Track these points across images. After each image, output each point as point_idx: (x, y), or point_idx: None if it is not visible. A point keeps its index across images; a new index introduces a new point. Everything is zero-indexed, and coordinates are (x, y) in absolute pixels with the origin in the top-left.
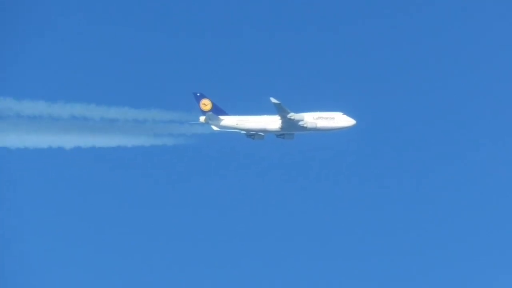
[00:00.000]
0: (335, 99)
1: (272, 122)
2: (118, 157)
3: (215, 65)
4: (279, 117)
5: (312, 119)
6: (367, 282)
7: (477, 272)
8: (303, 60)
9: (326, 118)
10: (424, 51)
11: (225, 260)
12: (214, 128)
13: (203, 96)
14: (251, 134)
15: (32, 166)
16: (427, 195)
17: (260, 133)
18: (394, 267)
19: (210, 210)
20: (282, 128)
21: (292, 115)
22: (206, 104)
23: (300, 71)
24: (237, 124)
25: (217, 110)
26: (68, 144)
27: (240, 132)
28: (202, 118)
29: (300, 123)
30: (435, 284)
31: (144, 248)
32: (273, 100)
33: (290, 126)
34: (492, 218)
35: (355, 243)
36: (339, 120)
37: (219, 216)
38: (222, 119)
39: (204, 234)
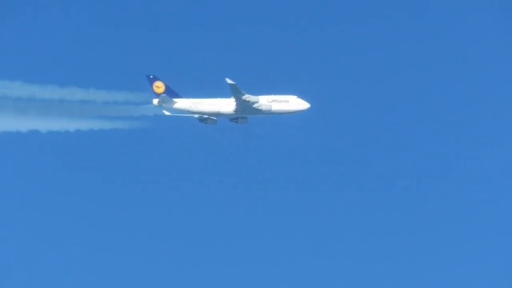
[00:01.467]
0: (288, 82)
1: (226, 105)
2: (62, 141)
3: (169, 47)
4: (233, 100)
5: (266, 101)
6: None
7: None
8: (257, 43)
9: (281, 101)
10: (379, 29)
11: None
12: (166, 113)
13: (156, 79)
14: (204, 119)
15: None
16: (381, 180)
17: (213, 117)
18: (355, 257)
19: (161, 199)
20: (236, 111)
21: (248, 97)
22: (159, 86)
23: (253, 54)
24: (190, 106)
25: (171, 93)
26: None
27: (192, 116)
28: (155, 101)
29: (255, 105)
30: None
31: (94, 242)
32: (229, 80)
33: (244, 109)
34: (469, 211)
35: (311, 230)
36: (294, 103)
37: (169, 206)
38: (176, 102)
39: (157, 222)
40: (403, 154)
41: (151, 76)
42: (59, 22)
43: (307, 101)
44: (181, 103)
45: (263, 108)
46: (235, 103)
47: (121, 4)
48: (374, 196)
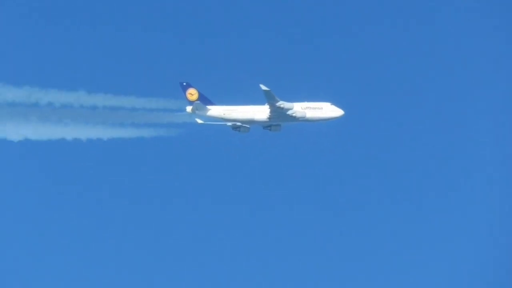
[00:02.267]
0: (322, 89)
1: (260, 112)
2: (97, 148)
3: (202, 54)
4: (267, 107)
5: (300, 108)
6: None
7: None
8: (290, 49)
9: (314, 108)
10: (415, 44)
11: (212, 257)
12: (199, 121)
13: (189, 86)
14: (237, 126)
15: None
16: (416, 189)
17: (246, 125)
18: (392, 265)
19: (198, 206)
20: (270, 118)
21: (282, 103)
22: (192, 93)
23: (287, 60)
24: (224, 114)
25: (204, 100)
26: (43, 135)
27: (225, 124)
28: (189, 108)
29: (289, 112)
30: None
31: (125, 244)
32: (263, 87)
33: (278, 116)
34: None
35: (348, 239)
36: (327, 110)
37: (206, 211)
38: (209, 109)
39: (188, 231)
40: (439, 162)
41: (184, 83)
42: (91, 30)
43: (341, 108)
44: (215, 111)
45: (297, 115)
46: (269, 110)
47: (155, 12)
48: (409, 205)
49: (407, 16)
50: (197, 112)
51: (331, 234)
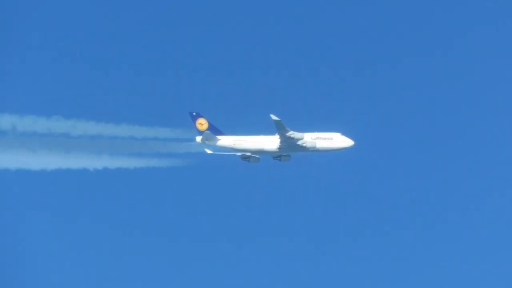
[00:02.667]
0: (332, 119)
1: (270, 142)
2: (103, 178)
3: (212, 84)
4: (277, 137)
5: (310, 139)
6: None
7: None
8: (300, 81)
9: (324, 139)
10: (421, 70)
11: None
12: (208, 151)
13: (199, 116)
14: (247, 157)
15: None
16: (428, 219)
17: (255, 155)
18: None
19: (207, 239)
20: (280, 148)
21: (292, 133)
22: (202, 123)
23: (296, 92)
24: (234, 144)
25: (214, 130)
26: (48, 165)
27: (235, 154)
28: (198, 138)
29: (300, 142)
30: None
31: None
32: (274, 117)
33: (288, 146)
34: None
35: (357, 270)
36: (337, 140)
37: (215, 244)
38: (219, 139)
39: (195, 264)
40: (450, 193)
41: (194, 113)
42: (104, 56)
43: (351, 138)
44: (225, 141)
45: (308, 145)
46: (279, 140)
47: (164, 42)
48: (419, 237)
49: (418, 48)
50: (207, 142)
51: (338, 264)
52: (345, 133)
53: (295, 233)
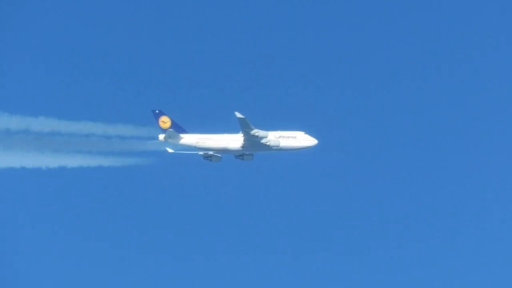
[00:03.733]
0: (293, 118)
1: (234, 141)
2: (60, 177)
3: (175, 82)
4: (241, 135)
5: (274, 137)
6: None
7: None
8: (261, 78)
9: (288, 137)
10: (387, 64)
11: None
12: (169, 150)
13: (162, 113)
14: (209, 156)
15: None
16: (392, 216)
17: (218, 154)
18: None
19: (166, 240)
20: (243, 147)
21: (257, 132)
22: (165, 121)
23: (258, 89)
24: (197, 142)
25: (177, 128)
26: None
27: (197, 153)
28: (161, 136)
29: (263, 140)
30: None
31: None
32: (238, 114)
33: (252, 145)
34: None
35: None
36: (301, 139)
37: (176, 243)
38: (182, 137)
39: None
40: (415, 192)
41: (157, 111)
42: (63, 50)
43: (315, 137)
44: (188, 139)
45: (272, 143)
46: (243, 138)
47: (128, 36)
48: (384, 236)
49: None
50: (169, 140)
51: (303, 266)
52: (309, 132)
53: (257, 233)
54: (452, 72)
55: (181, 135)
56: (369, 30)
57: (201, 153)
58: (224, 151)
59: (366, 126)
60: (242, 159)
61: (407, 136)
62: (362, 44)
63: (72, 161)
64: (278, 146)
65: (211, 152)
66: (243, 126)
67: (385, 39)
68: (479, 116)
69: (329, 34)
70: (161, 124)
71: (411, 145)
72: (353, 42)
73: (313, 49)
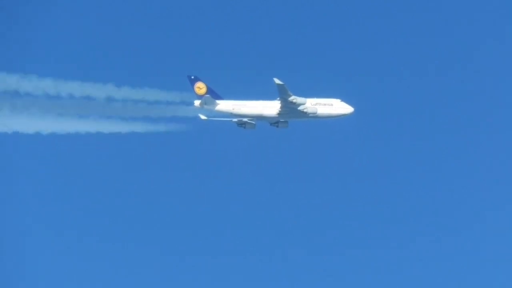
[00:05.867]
0: (331, 85)
1: (270, 108)
2: (96, 142)
3: (212, 48)
4: (277, 102)
5: (311, 104)
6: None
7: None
8: (299, 45)
9: (325, 105)
10: (422, 41)
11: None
12: (202, 117)
13: (197, 79)
14: (243, 123)
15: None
16: (430, 188)
17: (252, 121)
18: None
19: (202, 204)
20: (280, 113)
21: (295, 98)
22: (201, 87)
23: (294, 56)
24: (233, 108)
25: (212, 94)
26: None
27: (231, 120)
28: (197, 102)
29: (301, 107)
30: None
31: (131, 240)
32: (277, 81)
33: (289, 112)
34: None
35: (357, 238)
36: (338, 107)
37: (210, 211)
38: (218, 103)
39: (193, 229)
40: (452, 159)
41: (193, 77)
42: (99, 14)
43: (351, 105)
44: (223, 105)
45: (309, 111)
46: (279, 105)
47: (164, 5)
48: (421, 203)
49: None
50: (205, 106)
51: (336, 238)
52: (345, 99)
53: (292, 204)
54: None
55: (217, 101)
56: None
57: (235, 120)
58: (259, 117)
59: (403, 95)
60: (277, 126)
61: (448, 105)
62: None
63: (107, 127)
64: (316, 113)
65: (245, 119)
66: (281, 93)
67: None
68: None
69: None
70: (197, 90)
71: (450, 113)
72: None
73: (352, 16)
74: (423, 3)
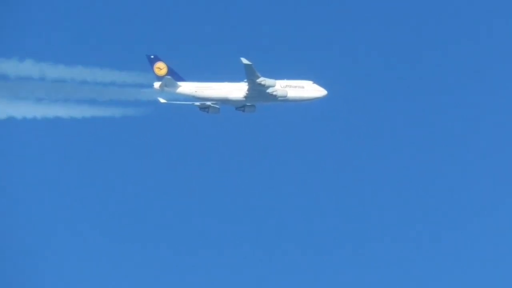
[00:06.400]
0: (302, 66)
1: (236, 90)
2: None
3: (172, 26)
4: (244, 84)
5: (280, 87)
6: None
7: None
8: (264, 23)
9: (295, 87)
10: (398, 20)
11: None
12: (161, 100)
13: (157, 59)
14: (206, 106)
15: None
16: (407, 177)
17: (216, 105)
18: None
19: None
20: (247, 97)
21: (263, 80)
22: (161, 68)
23: (261, 35)
24: (196, 91)
25: (174, 75)
26: None
27: (193, 104)
28: (156, 84)
29: (270, 90)
30: None
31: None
32: (244, 60)
33: (257, 95)
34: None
35: (330, 231)
36: (310, 89)
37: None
38: (180, 85)
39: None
40: (424, 145)
41: (152, 56)
42: None
43: (324, 87)
44: (186, 87)
45: (279, 93)
46: (246, 87)
47: None
48: (392, 191)
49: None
50: (166, 88)
51: (306, 229)
52: (317, 81)
53: (259, 194)
54: None
55: (179, 83)
56: None
57: (197, 103)
58: (224, 101)
59: (380, 77)
60: (243, 110)
61: (425, 90)
62: None
63: (62, 110)
64: (286, 96)
65: (209, 103)
66: (248, 74)
67: None
68: None
69: None
70: (157, 71)
71: (430, 98)
72: None
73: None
74: None
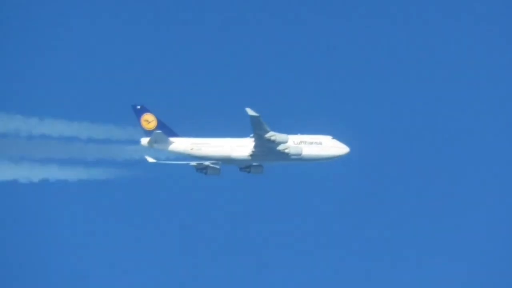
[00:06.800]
0: (319, 119)
1: (240, 147)
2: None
3: (164, 74)
4: (250, 140)
5: (293, 143)
6: None
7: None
8: (274, 71)
9: (311, 143)
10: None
11: None
12: (150, 159)
13: (145, 110)
14: (204, 167)
15: None
16: (435, 238)
17: (215, 165)
18: None
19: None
20: (253, 155)
21: (273, 135)
22: (149, 121)
23: (268, 84)
24: (191, 149)
25: (165, 130)
26: None
27: (188, 163)
28: (144, 140)
29: (281, 147)
30: None
31: None
32: (250, 111)
33: (265, 153)
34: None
35: None
36: (329, 146)
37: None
38: (173, 142)
39: None
40: (461, 202)
41: (139, 107)
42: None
43: (345, 143)
44: (180, 144)
45: (291, 151)
46: (253, 144)
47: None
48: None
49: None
50: (155, 145)
51: None
52: (337, 137)
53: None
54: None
55: (171, 138)
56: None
57: (193, 163)
58: (226, 160)
59: (407, 131)
60: (249, 171)
61: (452, 139)
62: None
63: (34, 173)
64: (300, 154)
65: (207, 163)
66: (255, 127)
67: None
68: None
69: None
70: (144, 124)
71: (457, 148)
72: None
73: (343, 44)
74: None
